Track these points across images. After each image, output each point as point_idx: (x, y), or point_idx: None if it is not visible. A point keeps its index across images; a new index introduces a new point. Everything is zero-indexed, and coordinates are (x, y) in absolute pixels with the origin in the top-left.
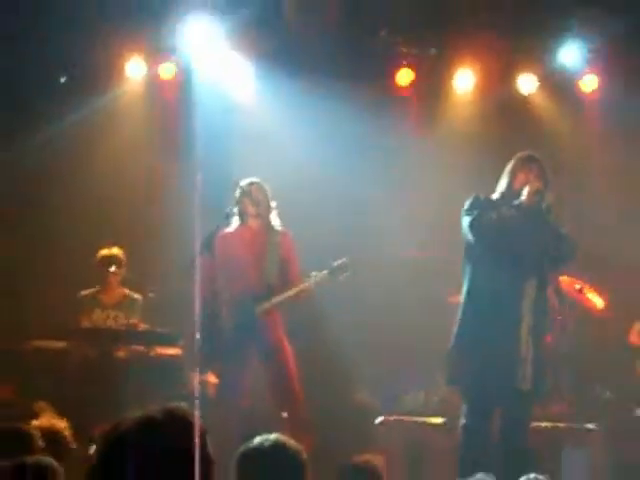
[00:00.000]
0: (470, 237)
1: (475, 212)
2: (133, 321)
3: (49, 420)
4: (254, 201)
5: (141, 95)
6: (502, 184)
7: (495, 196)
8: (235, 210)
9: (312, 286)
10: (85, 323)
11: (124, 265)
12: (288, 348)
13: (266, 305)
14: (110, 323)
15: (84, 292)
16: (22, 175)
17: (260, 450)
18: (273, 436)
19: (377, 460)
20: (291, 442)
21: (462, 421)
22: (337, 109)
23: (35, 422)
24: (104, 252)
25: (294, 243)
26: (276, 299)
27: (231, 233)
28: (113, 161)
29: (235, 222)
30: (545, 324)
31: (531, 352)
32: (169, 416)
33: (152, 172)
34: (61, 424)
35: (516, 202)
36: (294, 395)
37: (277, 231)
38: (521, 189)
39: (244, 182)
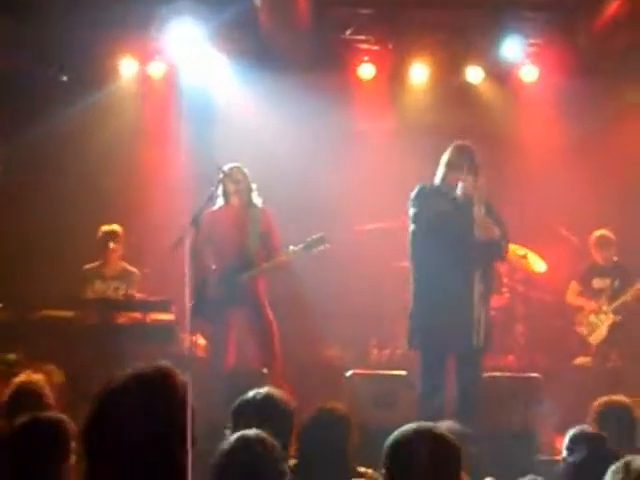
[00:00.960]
0: (414, 227)
1: (418, 204)
2: (131, 292)
3: (28, 375)
4: (235, 181)
5: (133, 91)
6: (440, 174)
7: (436, 184)
8: (219, 192)
9: (291, 257)
10: (89, 294)
11: (122, 241)
12: (269, 312)
13: (250, 273)
14: (110, 293)
15: (87, 266)
16: (28, 162)
17: (254, 401)
18: (264, 389)
19: (341, 406)
20: (280, 394)
21: (420, 377)
22: (306, 100)
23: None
24: (105, 228)
25: (274, 218)
26: (259, 268)
27: (216, 211)
28: (109, 149)
29: (219, 202)
30: (492, 290)
31: (482, 316)
32: (157, 372)
33: (144, 159)
34: (38, 377)
35: (452, 196)
36: (274, 353)
37: (258, 208)
38: (456, 181)
39: (225, 166)
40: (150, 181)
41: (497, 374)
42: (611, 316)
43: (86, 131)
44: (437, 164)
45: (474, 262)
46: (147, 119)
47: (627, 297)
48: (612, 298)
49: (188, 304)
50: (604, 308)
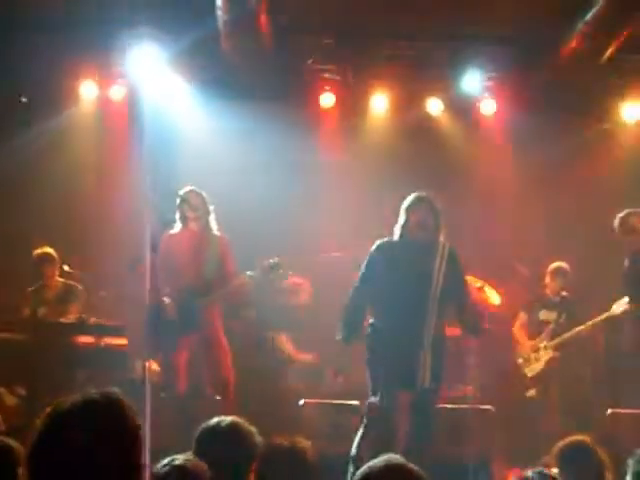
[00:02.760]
0: (361, 280)
1: (369, 257)
2: (84, 315)
3: None
4: (192, 206)
5: (93, 114)
6: (400, 221)
7: (395, 234)
8: (176, 216)
9: (248, 282)
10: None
11: (57, 262)
12: (224, 339)
13: (207, 298)
14: (57, 318)
15: (30, 288)
16: None
17: (219, 428)
18: (229, 418)
19: (303, 442)
20: (246, 424)
21: (369, 408)
22: (267, 127)
23: None
24: (37, 251)
25: (230, 245)
26: (216, 293)
27: (173, 235)
28: (67, 173)
29: (177, 226)
30: (443, 333)
31: (429, 360)
32: (105, 398)
33: (102, 183)
34: None
35: (409, 239)
36: (228, 381)
37: (215, 234)
38: (416, 223)
39: (183, 190)
40: (108, 205)
41: (450, 406)
42: (550, 352)
43: (45, 153)
44: (396, 193)
45: (426, 313)
46: (106, 143)
47: (568, 336)
48: (555, 333)
49: (143, 328)
50: (543, 344)
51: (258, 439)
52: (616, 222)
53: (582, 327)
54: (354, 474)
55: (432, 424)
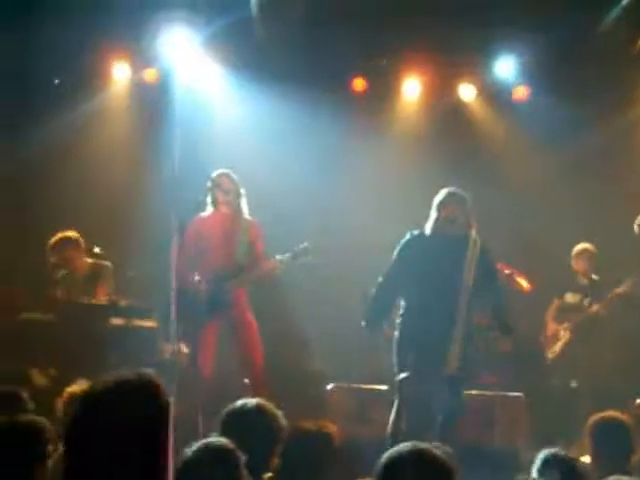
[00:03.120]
0: (391, 271)
1: (400, 248)
2: (115, 297)
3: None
4: (224, 190)
5: (126, 96)
6: (431, 216)
7: (427, 228)
8: (208, 199)
9: (278, 266)
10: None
11: (80, 244)
12: (253, 321)
13: (238, 280)
14: (87, 299)
15: (59, 274)
16: (23, 164)
17: (243, 410)
18: (254, 400)
19: (330, 427)
20: (271, 406)
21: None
22: (299, 113)
23: None
24: (59, 236)
25: (261, 229)
26: (247, 275)
27: (204, 218)
28: (100, 155)
29: (208, 209)
30: (472, 322)
31: (458, 349)
32: (140, 379)
33: (134, 166)
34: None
35: (439, 234)
36: (257, 364)
37: (246, 218)
38: (445, 220)
39: (215, 173)
40: (139, 186)
41: (479, 392)
42: (568, 334)
43: (78, 135)
44: (428, 180)
45: (457, 304)
46: (139, 125)
47: (584, 317)
48: (577, 315)
49: (173, 310)
50: (564, 326)
51: (283, 422)
52: (636, 227)
53: (596, 306)
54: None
55: (458, 410)
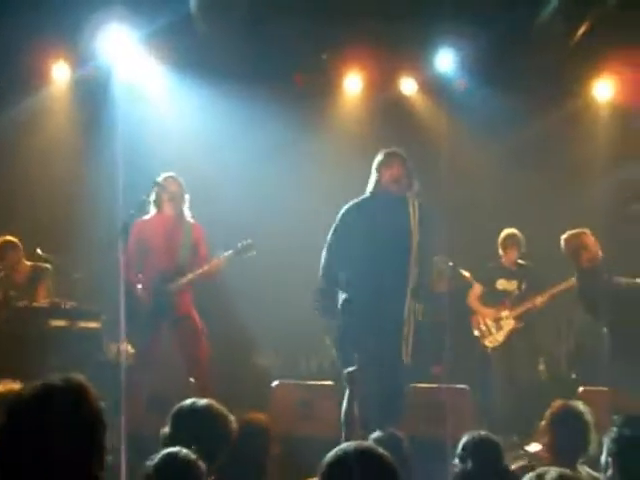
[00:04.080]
0: (334, 238)
1: (340, 216)
2: (56, 300)
3: None
4: (170, 192)
5: (65, 96)
6: (372, 179)
7: (367, 191)
8: (151, 199)
9: (222, 262)
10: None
11: (19, 248)
12: (199, 321)
13: (182, 281)
14: (28, 302)
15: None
16: None
17: (193, 409)
18: (204, 400)
19: (261, 417)
20: (222, 407)
21: (346, 385)
22: (241, 109)
23: None
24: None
25: (203, 233)
26: (190, 275)
27: (147, 219)
28: (39, 155)
29: (151, 211)
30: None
31: (411, 331)
32: (66, 384)
33: (75, 166)
34: None
35: (382, 194)
36: (202, 363)
37: (188, 221)
38: (390, 179)
39: (161, 176)
40: (80, 187)
41: (426, 385)
42: (512, 322)
43: (16, 135)
44: (366, 175)
45: (405, 274)
46: (79, 124)
47: (531, 305)
48: (517, 302)
49: (120, 311)
50: (505, 313)
51: (234, 425)
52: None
53: (542, 296)
54: (347, 439)
55: (404, 401)
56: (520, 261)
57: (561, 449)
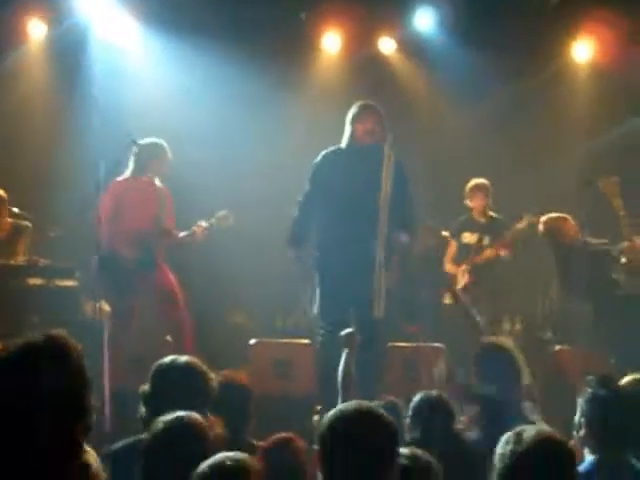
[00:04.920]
0: (309, 189)
1: (315, 165)
2: (34, 257)
3: None
4: (166, 164)
5: (42, 53)
6: (346, 131)
7: (342, 142)
8: (132, 160)
9: (206, 231)
10: None
11: (5, 202)
12: (175, 281)
13: (165, 242)
14: (6, 259)
15: None
16: None
17: (174, 366)
18: (184, 357)
19: (240, 375)
20: (203, 366)
21: (320, 342)
22: (217, 67)
23: None
24: None
25: (171, 198)
26: (179, 237)
27: (124, 182)
28: (16, 113)
29: (128, 173)
30: (391, 259)
31: (383, 285)
32: (47, 340)
33: (52, 124)
34: None
35: (356, 146)
36: (180, 321)
37: (160, 185)
38: (363, 131)
39: (163, 144)
40: (57, 145)
41: (403, 344)
42: (466, 276)
43: None
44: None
45: (378, 223)
46: (56, 82)
47: (479, 258)
48: (475, 256)
49: (94, 269)
50: (463, 267)
51: (214, 384)
52: (540, 227)
53: (490, 249)
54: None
55: (384, 360)
56: (491, 214)
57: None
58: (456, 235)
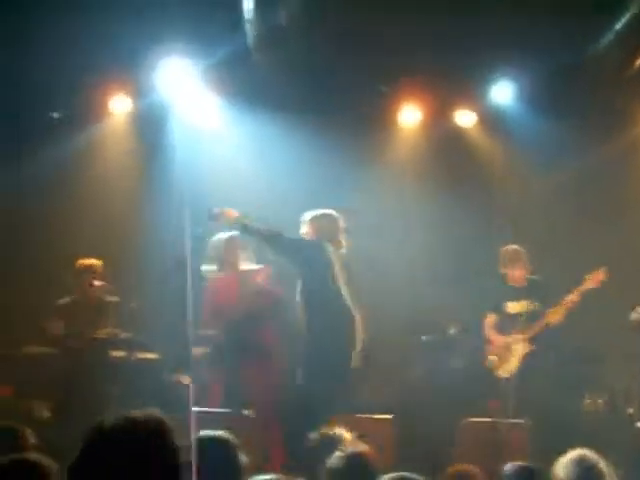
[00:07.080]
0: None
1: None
2: (114, 331)
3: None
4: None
5: (124, 129)
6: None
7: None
8: (214, 256)
9: None
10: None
11: (101, 275)
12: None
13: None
14: (90, 332)
15: (61, 301)
16: (21, 194)
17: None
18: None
19: None
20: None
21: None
22: (297, 140)
23: None
24: (82, 261)
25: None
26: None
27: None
28: (98, 187)
29: (215, 268)
30: None
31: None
32: (148, 418)
33: (134, 199)
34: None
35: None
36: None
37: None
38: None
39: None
40: (138, 218)
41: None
42: (524, 345)
43: (77, 168)
44: (427, 206)
45: None
46: (138, 157)
47: (543, 323)
48: (528, 322)
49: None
50: (518, 337)
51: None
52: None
53: (552, 310)
54: None
55: None
56: (529, 276)
57: None
58: (498, 308)
